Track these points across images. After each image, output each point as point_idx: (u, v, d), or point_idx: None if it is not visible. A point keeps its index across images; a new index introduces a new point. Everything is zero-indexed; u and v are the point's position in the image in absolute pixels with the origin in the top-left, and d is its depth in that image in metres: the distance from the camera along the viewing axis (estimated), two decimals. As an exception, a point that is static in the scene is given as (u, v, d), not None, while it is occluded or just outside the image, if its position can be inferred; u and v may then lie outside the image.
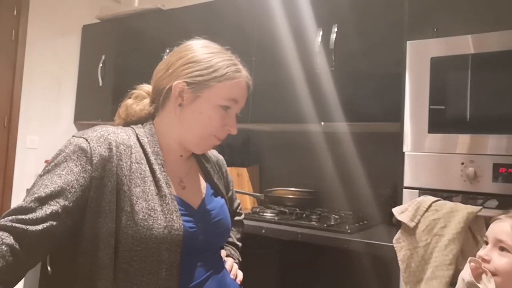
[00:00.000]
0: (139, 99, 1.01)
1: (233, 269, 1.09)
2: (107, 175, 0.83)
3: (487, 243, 1.04)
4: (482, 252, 1.02)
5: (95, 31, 2.95)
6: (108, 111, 2.75)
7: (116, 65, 2.75)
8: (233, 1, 2.32)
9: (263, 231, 1.74)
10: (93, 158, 0.82)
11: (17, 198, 2.63)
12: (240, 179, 2.37)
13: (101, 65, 2.79)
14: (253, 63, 2.18)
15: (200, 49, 0.96)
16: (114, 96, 2.73)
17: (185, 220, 0.88)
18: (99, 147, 0.84)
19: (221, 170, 1.15)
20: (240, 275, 1.10)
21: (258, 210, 2.03)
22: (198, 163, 1.08)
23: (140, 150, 0.91)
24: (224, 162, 1.19)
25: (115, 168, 0.84)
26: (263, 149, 2.52)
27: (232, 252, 1.17)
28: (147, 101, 1.00)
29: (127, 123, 0.99)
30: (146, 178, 0.87)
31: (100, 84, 2.79)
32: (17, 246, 0.71)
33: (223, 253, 1.09)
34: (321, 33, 2.00)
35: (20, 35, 2.64)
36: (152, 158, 0.91)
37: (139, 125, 0.97)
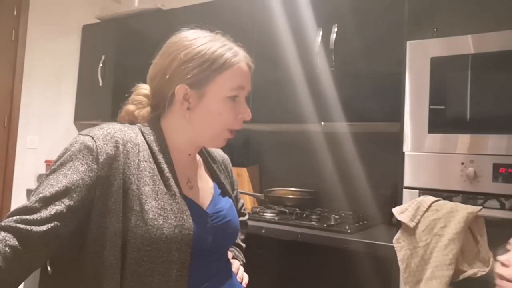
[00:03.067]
0: (141, 105, 0.97)
1: (239, 271, 1.07)
2: (114, 173, 0.81)
3: (508, 250, 0.98)
4: (503, 257, 0.97)
5: (95, 31, 2.95)
6: (108, 111, 2.76)
7: (116, 65, 2.76)
8: (233, 1, 2.32)
9: (263, 231, 1.74)
10: (100, 157, 0.80)
11: (17, 198, 2.63)
12: (240, 179, 2.37)
13: (101, 65, 2.79)
14: (253, 63, 2.18)
15: (190, 43, 0.91)
16: (114, 96, 2.73)
17: (194, 220, 0.86)
18: (105, 145, 0.82)
19: (227, 169, 1.13)
20: (246, 278, 1.09)
21: (258, 210, 2.03)
22: (205, 163, 1.06)
23: (147, 148, 0.89)
24: (229, 161, 1.17)
25: (122, 167, 0.82)
26: (263, 149, 2.52)
27: (237, 253, 1.16)
28: (148, 108, 0.96)
29: (132, 123, 0.97)
30: (155, 177, 0.85)
31: (100, 84, 2.79)
32: (20, 247, 0.70)
33: (229, 255, 1.08)
34: (321, 33, 2.00)
35: (20, 35, 2.65)
36: (159, 156, 0.89)
37: (145, 123, 0.94)
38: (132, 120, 0.96)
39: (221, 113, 0.90)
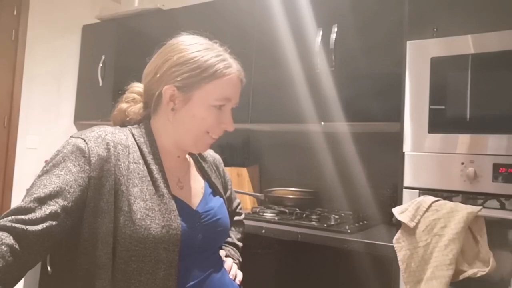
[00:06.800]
0: (133, 102, 1.00)
1: (232, 269, 1.08)
2: (105, 175, 0.83)
3: None
4: None
5: (95, 31, 2.95)
6: (108, 111, 2.73)
7: (116, 65, 2.76)
8: (233, 1, 2.31)
9: (263, 231, 1.74)
10: (91, 158, 0.82)
11: (17, 198, 2.63)
12: (240, 179, 2.37)
13: (101, 65, 2.79)
14: (253, 63, 2.18)
15: (186, 48, 0.93)
16: (114, 96, 2.73)
17: (183, 220, 0.88)
18: (97, 147, 0.84)
19: (218, 169, 1.15)
20: (240, 275, 1.10)
21: (258, 210, 2.03)
22: (195, 163, 1.08)
23: (138, 150, 0.91)
24: (221, 161, 1.19)
25: (113, 168, 0.84)
26: (263, 149, 2.52)
27: (232, 252, 1.17)
28: (141, 104, 0.99)
29: (124, 124, 0.99)
30: (143, 178, 0.87)
31: (100, 84, 2.79)
32: (16, 246, 0.71)
33: (222, 253, 1.09)
34: (321, 33, 2.00)
35: (20, 35, 2.64)
36: (149, 158, 0.91)
37: (136, 125, 0.97)
38: (124, 119, 0.99)
39: (204, 118, 0.93)
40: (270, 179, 2.45)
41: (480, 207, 1.34)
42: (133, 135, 0.93)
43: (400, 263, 1.40)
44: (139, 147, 0.91)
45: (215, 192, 1.06)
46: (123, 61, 2.72)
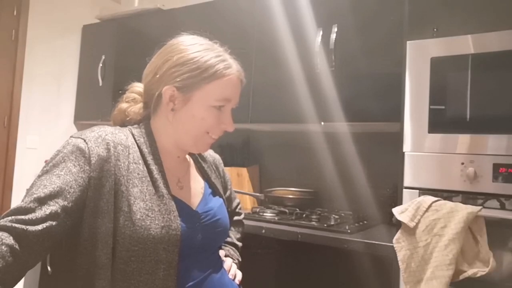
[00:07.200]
0: (134, 102, 1.00)
1: (232, 269, 1.09)
2: (105, 175, 0.83)
3: None
4: None
5: (95, 31, 2.95)
6: (108, 111, 2.73)
7: (116, 65, 2.76)
8: (233, 1, 2.31)
9: (263, 231, 1.74)
10: (91, 159, 0.82)
11: (17, 198, 2.63)
12: (240, 179, 2.37)
13: (101, 65, 2.79)
14: (253, 63, 2.18)
15: (186, 48, 0.93)
16: (114, 96, 2.73)
17: (182, 220, 0.88)
18: (97, 148, 0.84)
19: (218, 169, 1.15)
20: (239, 275, 1.10)
21: (258, 210, 2.03)
22: (195, 163, 1.08)
23: (137, 150, 0.91)
24: (221, 161, 1.20)
25: (113, 168, 0.84)
26: (263, 149, 2.52)
27: (232, 252, 1.17)
28: (141, 104, 0.99)
29: (124, 124, 0.99)
30: (143, 178, 0.87)
31: (100, 84, 2.79)
32: (17, 246, 0.72)
33: (221, 253, 1.09)
34: (321, 33, 2.00)
35: (20, 35, 2.64)
36: (149, 158, 0.91)
37: (136, 125, 0.97)
38: (124, 119, 0.99)
39: (204, 119, 0.93)
40: (270, 179, 2.45)
41: (480, 207, 1.34)
42: (133, 135, 0.93)
43: (400, 263, 1.40)
44: (139, 147, 0.92)
45: (214, 192, 1.06)
46: (123, 61, 2.72)
